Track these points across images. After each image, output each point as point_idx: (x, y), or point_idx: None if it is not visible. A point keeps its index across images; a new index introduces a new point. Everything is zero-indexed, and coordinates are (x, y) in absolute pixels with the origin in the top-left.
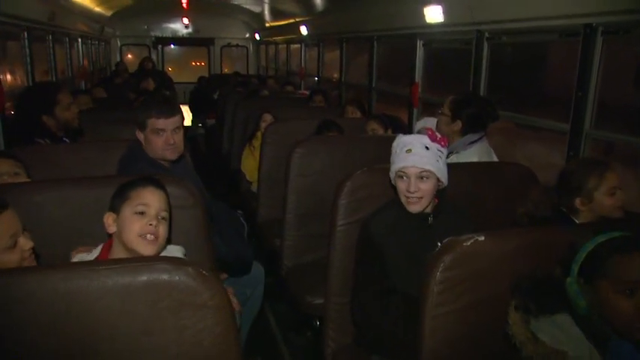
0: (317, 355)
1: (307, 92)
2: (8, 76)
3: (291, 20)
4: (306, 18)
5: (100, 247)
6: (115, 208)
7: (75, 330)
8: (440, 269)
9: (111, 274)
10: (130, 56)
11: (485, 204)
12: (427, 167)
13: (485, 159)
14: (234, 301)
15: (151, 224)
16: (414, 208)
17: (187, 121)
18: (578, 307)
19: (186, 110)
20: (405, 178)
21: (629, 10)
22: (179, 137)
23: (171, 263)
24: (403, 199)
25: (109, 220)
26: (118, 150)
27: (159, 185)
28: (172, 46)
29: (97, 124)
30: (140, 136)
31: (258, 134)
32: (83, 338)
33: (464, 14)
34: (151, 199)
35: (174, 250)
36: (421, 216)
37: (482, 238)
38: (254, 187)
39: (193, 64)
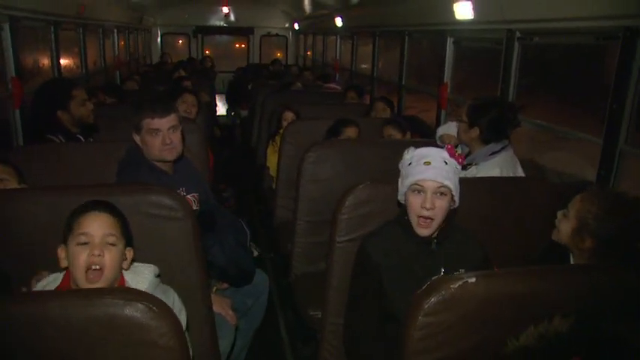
0: None
1: (336, 86)
2: (32, 70)
3: (328, 11)
4: (342, 9)
5: (63, 274)
6: (65, 240)
7: None
8: (422, 313)
9: (59, 306)
10: (176, 44)
11: (502, 225)
12: (446, 182)
13: (508, 172)
14: (229, 314)
15: (94, 254)
16: (425, 232)
17: (223, 110)
18: None
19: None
20: (420, 192)
21: None
22: (176, 137)
23: (121, 297)
24: (414, 219)
25: (62, 255)
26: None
27: (104, 208)
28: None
29: (114, 121)
30: (137, 138)
31: (282, 131)
32: None
33: (494, 12)
34: (92, 227)
35: (143, 270)
36: (424, 240)
37: (474, 279)
38: (275, 185)
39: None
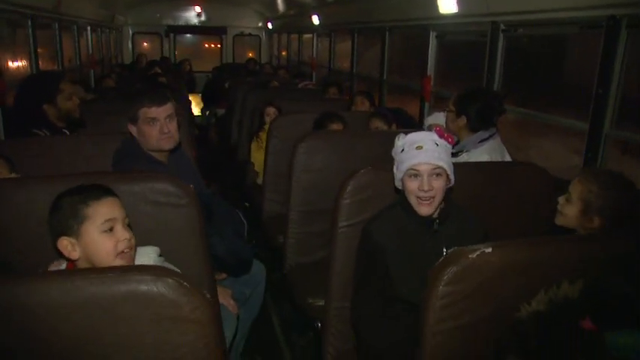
0: (318, 357)
1: (313, 83)
2: (10, 64)
3: (304, 9)
4: (318, 7)
5: (66, 263)
6: (68, 230)
7: (50, 342)
8: (443, 283)
9: (87, 285)
10: (145, 45)
11: (495, 208)
12: (440, 163)
13: (497, 158)
14: (231, 304)
15: (124, 239)
16: (426, 210)
17: (196, 110)
18: None
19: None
20: (416, 176)
21: None
22: (173, 126)
23: (150, 274)
24: (413, 201)
25: (68, 247)
26: (116, 143)
27: (111, 191)
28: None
29: (99, 115)
30: (133, 129)
31: (266, 127)
32: (58, 351)
33: (479, 5)
34: (113, 211)
35: (147, 252)
36: (426, 221)
37: (490, 249)
38: (260, 180)
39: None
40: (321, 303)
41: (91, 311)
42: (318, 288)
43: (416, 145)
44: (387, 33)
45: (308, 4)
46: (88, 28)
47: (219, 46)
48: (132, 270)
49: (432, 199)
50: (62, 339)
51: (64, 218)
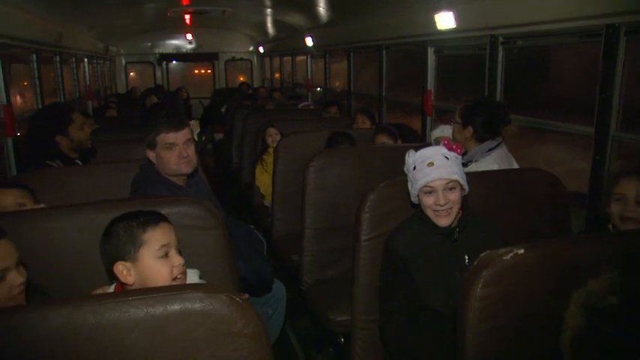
0: None
1: (311, 103)
2: (18, 99)
3: (296, 32)
4: (311, 29)
5: (114, 285)
6: (124, 255)
7: None
8: (480, 285)
9: (141, 304)
10: (132, 74)
11: (507, 214)
12: (453, 177)
13: (505, 166)
14: None
15: (177, 265)
16: (445, 221)
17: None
18: None
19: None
20: (431, 192)
21: None
22: (192, 150)
23: (203, 291)
24: (431, 214)
25: (123, 272)
26: (130, 171)
27: (165, 218)
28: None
29: (108, 144)
30: (151, 155)
31: (270, 150)
32: None
33: (477, 19)
34: (169, 237)
35: (190, 275)
36: (446, 230)
37: (522, 250)
38: (267, 202)
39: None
40: (343, 318)
41: (147, 330)
42: (339, 303)
43: (427, 162)
44: (384, 51)
45: (301, 26)
46: (85, 59)
47: (209, 71)
48: (185, 288)
49: (449, 211)
50: (122, 358)
51: (121, 243)
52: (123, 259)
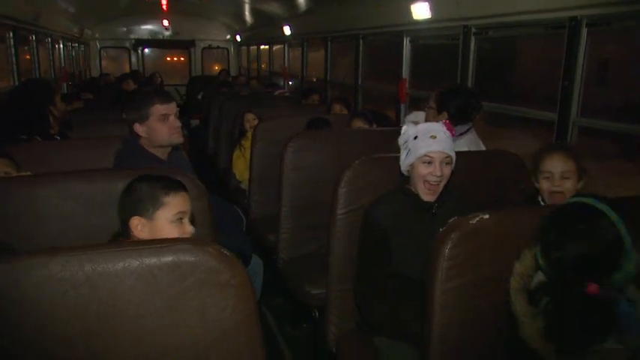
0: (314, 345)
1: (287, 91)
2: None
3: (274, 20)
4: (289, 18)
5: None
6: (142, 212)
7: (101, 310)
8: (449, 246)
9: (135, 255)
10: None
11: (476, 192)
12: (451, 153)
13: (474, 149)
14: None
15: (189, 232)
16: (430, 197)
17: None
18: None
19: None
20: (430, 163)
21: (611, 3)
22: (179, 122)
23: (194, 244)
24: (421, 187)
25: (138, 227)
26: (108, 147)
27: (185, 187)
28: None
29: (85, 124)
30: (140, 129)
31: (248, 134)
32: (109, 317)
33: (450, 10)
34: (186, 206)
35: None
36: (425, 205)
37: (487, 216)
38: (244, 185)
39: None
40: (318, 290)
41: (141, 278)
42: (314, 277)
43: (430, 134)
44: (361, 40)
45: (279, 15)
46: (61, 41)
47: (182, 59)
48: (178, 241)
49: (437, 186)
50: (115, 304)
51: (142, 200)
52: (140, 214)
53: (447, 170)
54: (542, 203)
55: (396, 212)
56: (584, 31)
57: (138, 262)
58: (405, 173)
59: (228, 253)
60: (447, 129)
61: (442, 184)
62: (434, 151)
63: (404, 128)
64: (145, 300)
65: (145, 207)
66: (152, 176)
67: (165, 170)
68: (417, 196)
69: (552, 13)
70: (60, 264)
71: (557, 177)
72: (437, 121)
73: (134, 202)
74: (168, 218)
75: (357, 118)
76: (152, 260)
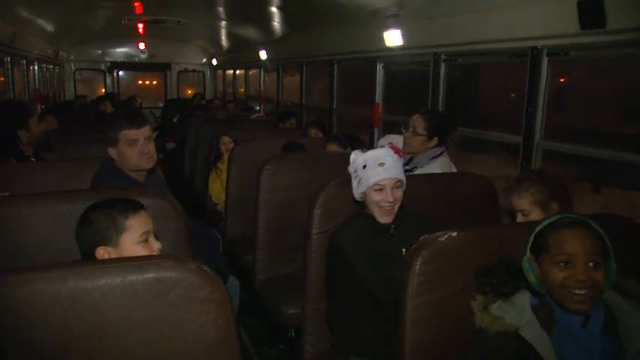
0: None
1: (263, 115)
2: None
3: (250, 45)
4: (265, 43)
5: None
6: (106, 241)
7: (83, 326)
8: (419, 262)
9: (118, 271)
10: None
11: (444, 212)
12: (400, 177)
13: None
14: None
15: (158, 248)
16: (387, 219)
17: None
18: (530, 282)
19: None
20: (381, 190)
21: (569, 34)
22: (152, 147)
23: (175, 261)
24: (376, 211)
25: (105, 255)
26: (87, 169)
27: (143, 206)
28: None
29: (64, 145)
30: (112, 152)
31: (224, 157)
32: (93, 332)
33: (422, 38)
34: (149, 224)
35: None
36: (384, 227)
37: (455, 233)
38: (220, 207)
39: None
40: (294, 311)
41: (123, 294)
42: (291, 297)
43: (379, 162)
44: (336, 65)
45: (255, 39)
46: (36, 63)
47: (154, 82)
48: (157, 257)
49: (392, 208)
50: (97, 320)
51: (102, 229)
52: (104, 244)
53: (399, 193)
54: None
55: (357, 235)
56: (545, 60)
57: (121, 278)
58: (359, 200)
59: (208, 270)
60: (396, 152)
61: (396, 207)
62: (384, 179)
63: (352, 157)
64: (127, 315)
65: (108, 235)
66: (104, 203)
67: (141, 192)
68: (374, 220)
69: (515, 43)
70: (44, 280)
71: (520, 215)
72: (425, 147)
73: (94, 234)
74: (135, 240)
75: (331, 142)
76: (134, 276)
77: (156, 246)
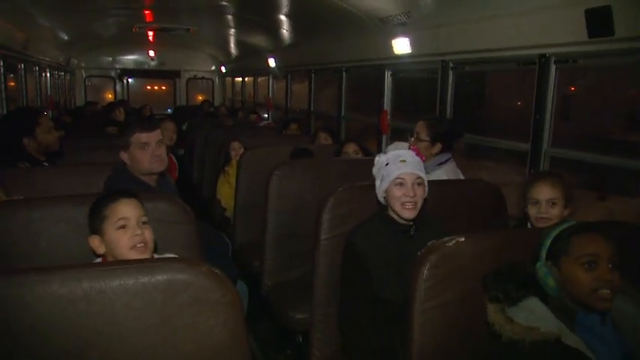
0: None
1: (271, 122)
2: None
3: (259, 53)
4: (274, 50)
5: (100, 260)
6: (96, 229)
7: (96, 326)
8: (427, 267)
9: (131, 272)
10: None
11: (453, 218)
12: (421, 174)
13: (453, 178)
14: None
15: (136, 234)
16: (410, 213)
17: None
18: (548, 287)
19: None
20: (402, 185)
21: (577, 42)
22: (163, 151)
23: (187, 263)
24: (398, 207)
25: (96, 243)
26: (98, 173)
27: (129, 195)
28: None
29: (76, 150)
30: (125, 156)
31: (233, 162)
32: (106, 333)
33: (430, 46)
34: (126, 211)
35: (168, 255)
36: (403, 228)
37: (463, 239)
38: (229, 214)
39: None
40: (302, 315)
41: (136, 295)
42: (299, 302)
43: (400, 159)
44: (344, 72)
45: (264, 47)
46: (48, 69)
47: (163, 88)
48: (172, 260)
49: (415, 204)
50: (109, 321)
51: (92, 219)
52: (96, 232)
53: (420, 191)
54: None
55: (374, 238)
56: (553, 68)
57: (133, 280)
58: (382, 200)
59: (219, 273)
60: (417, 154)
61: (419, 205)
62: (405, 173)
63: (376, 159)
64: (139, 316)
65: (96, 224)
66: (104, 195)
67: (153, 195)
68: (394, 221)
69: (524, 51)
70: (58, 281)
71: (544, 204)
72: (430, 153)
73: (90, 224)
74: (113, 227)
75: (321, 131)
76: (147, 278)
77: (135, 231)
